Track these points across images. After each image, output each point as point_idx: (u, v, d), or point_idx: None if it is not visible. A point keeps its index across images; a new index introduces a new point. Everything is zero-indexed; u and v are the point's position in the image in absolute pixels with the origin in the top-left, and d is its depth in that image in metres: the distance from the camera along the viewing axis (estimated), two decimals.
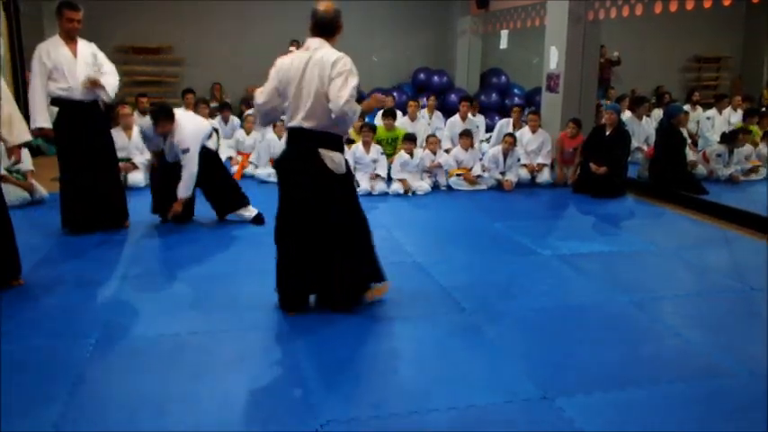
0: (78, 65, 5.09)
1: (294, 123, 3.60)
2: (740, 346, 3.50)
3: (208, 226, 5.77)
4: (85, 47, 5.20)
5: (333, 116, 3.46)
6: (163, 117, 5.34)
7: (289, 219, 3.72)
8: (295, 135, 3.63)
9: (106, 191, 5.41)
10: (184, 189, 5.40)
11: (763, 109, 9.50)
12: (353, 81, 3.46)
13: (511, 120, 8.67)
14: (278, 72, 3.65)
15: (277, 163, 3.96)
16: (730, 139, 7.99)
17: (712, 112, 9.37)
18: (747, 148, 8.15)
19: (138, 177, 7.27)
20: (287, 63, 3.63)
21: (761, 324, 3.78)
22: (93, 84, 5.09)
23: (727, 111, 9.44)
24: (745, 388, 3.05)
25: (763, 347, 3.44)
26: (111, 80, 5.23)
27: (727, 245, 5.52)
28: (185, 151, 5.36)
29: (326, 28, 3.63)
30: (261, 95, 3.75)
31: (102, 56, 5.28)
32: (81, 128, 5.17)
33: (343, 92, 3.40)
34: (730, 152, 7.96)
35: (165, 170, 5.59)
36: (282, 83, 3.62)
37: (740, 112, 9.34)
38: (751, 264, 4.97)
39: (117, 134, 7.33)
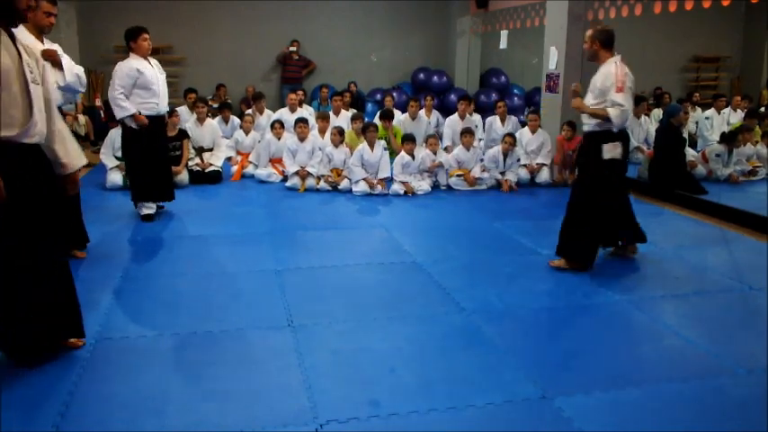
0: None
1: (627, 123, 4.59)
2: (739, 345, 3.51)
3: (206, 225, 5.77)
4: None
5: None
6: None
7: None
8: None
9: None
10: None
11: (762, 109, 9.48)
12: None
13: (497, 116, 8.65)
14: (631, 81, 4.47)
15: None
16: (730, 138, 7.99)
17: (711, 111, 9.37)
18: (749, 148, 8.15)
19: None
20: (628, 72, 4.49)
21: (760, 323, 3.79)
22: (51, 56, 4.34)
23: (727, 111, 9.45)
24: (745, 387, 3.05)
25: (763, 346, 3.45)
26: (71, 64, 4.58)
27: (726, 244, 5.53)
28: None
29: None
30: (628, 102, 4.44)
31: (68, 58, 4.65)
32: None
33: None
34: (730, 152, 7.96)
35: None
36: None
37: (740, 112, 9.34)
38: (750, 263, 4.98)
39: (117, 133, 7.35)
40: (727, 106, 9.51)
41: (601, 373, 3.17)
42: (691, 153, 8.25)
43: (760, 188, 7.70)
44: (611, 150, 4.55)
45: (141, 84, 5.46)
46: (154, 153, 5.72)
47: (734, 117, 9.34)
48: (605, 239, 4.90)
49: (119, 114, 5.50)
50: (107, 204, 6.54)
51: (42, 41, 4.43)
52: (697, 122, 9.56)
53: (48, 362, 3.13)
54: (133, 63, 5.47)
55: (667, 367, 3.26)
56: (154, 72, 5.58)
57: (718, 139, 8.35)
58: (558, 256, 4.79)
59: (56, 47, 4.57)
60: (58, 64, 4.44)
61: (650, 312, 3.95)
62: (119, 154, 7.29)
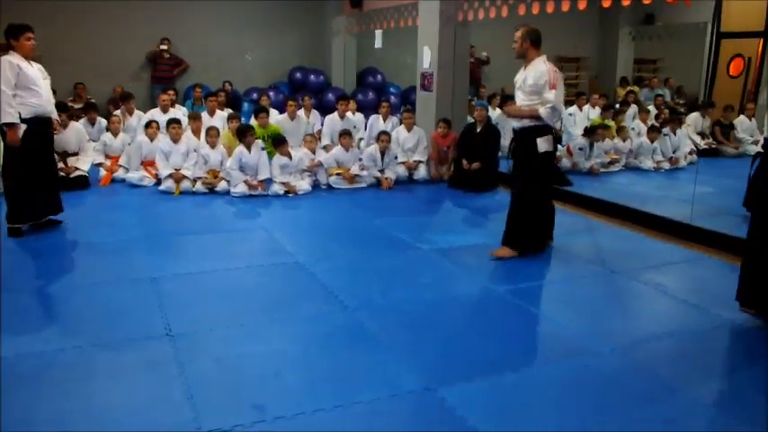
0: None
1: None
2: (604, 325, 3.76)
3: (72, 234, 5.43)
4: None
5: None
6: None
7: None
8: None
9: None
10: None
11: (617, 105, 10.22)
12: None
13: (380, 115, 8.83)
14: (561, 78, 4.72)
15: None
16: (590, 133, 8.55)
17: (573, 108, 10.01)
18: (608, 143, 8.76)
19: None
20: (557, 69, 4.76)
21: (619, 305, 4.09)
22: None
23: (587, 107, 10.13)
24: (608, 364, 3.28)
25: (623, 326, 3.72)
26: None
27: (590, 232, 5.91)
28: None
29: None
30: (559, 99, 4.71)
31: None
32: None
33: None
34: (591, 146, 8.52)
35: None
36: None
37: (598, 108, 10.03)
38: (612, 249, 5.35)
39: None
40: (587, 103, 10.20)
41: (480, 360, 3.29)
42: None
43: (617, 179, 8.30)
44: (545, 144, 4.80)
45: (22, 83, 5.03)
46: (39, 161, 5.30)
47: (593, 113, 10.02)
48: (546, 232, 5.19)
49: (4, 118, 4.96)
50: None
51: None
52: (562, 119, 10.16)
53: None
54: (13, 59, 5.03)
55: (542, 351, 3.45)
56: (36, 73, 5.18)
57: (580, 133, 8.90)
58: (501, 246, 5.05)
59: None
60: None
61: (525, 300, 4.15)
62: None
